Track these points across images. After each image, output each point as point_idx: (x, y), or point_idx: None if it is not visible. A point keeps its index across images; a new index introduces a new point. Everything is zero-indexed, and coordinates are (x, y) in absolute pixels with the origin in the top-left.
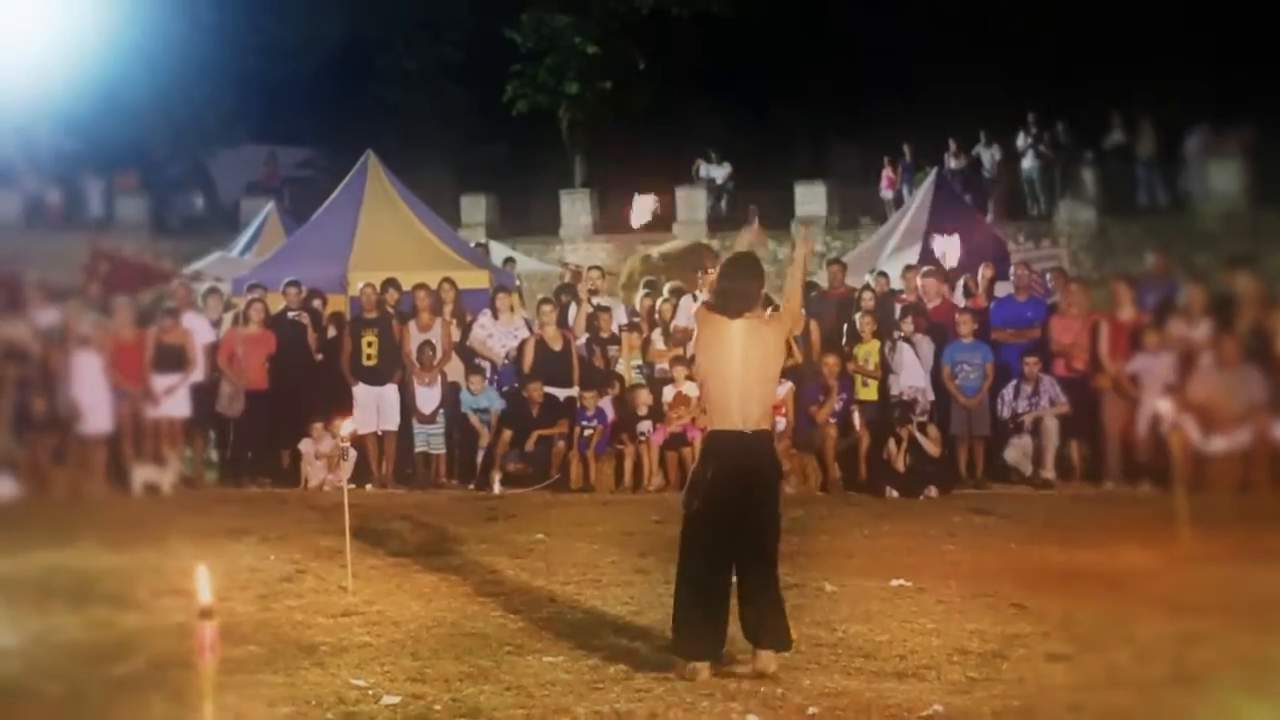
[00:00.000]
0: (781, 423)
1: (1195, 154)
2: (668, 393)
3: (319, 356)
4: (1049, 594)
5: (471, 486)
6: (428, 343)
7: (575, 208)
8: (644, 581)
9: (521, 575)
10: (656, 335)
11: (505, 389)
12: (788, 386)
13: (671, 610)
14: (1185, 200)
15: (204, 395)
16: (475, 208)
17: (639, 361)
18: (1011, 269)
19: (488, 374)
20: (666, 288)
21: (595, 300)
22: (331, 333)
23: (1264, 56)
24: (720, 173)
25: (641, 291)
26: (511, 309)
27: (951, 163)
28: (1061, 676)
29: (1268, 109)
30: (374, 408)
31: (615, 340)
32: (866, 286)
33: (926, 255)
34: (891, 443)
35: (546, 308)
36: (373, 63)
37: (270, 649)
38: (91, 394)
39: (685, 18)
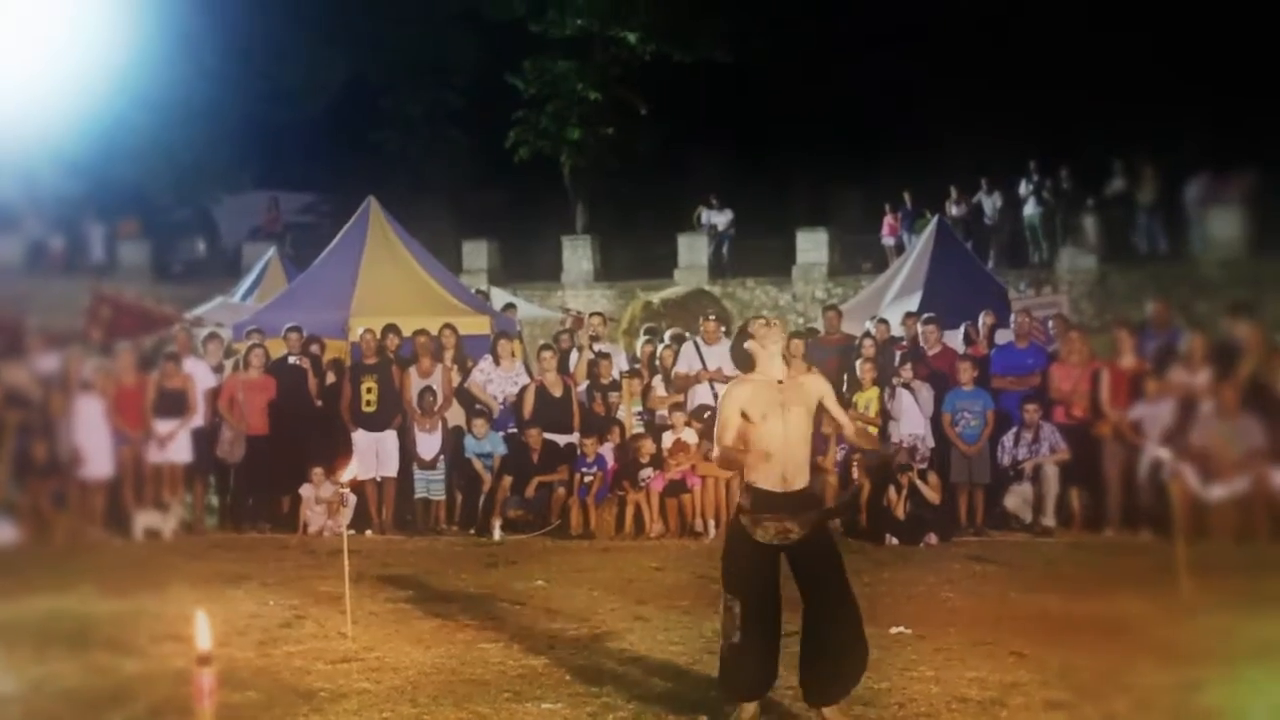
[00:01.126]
0: None
1: (1196, 201)
2: (667, 439)
3: (319, 402)
4: (1048, 642)
5: (472, 532)
6: (428, 389)
7: (577, 254)
8: (643, 629)
9: (521, 622)
10: (657, 381)
11: (504, 434)
12: None
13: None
14: (1186, 247)
15: (204, 440)
16: (477, 253)
17: (639, 408)
18: (1012, 316)
19: (491, 417)
20: (667, 334)
21: (596, 346)
22: (331, 378)
23: (1264, 104)
24: (722, 219)
25: (642, 338)
26: (513, 355)
27: (953, 209)
28: None
29: (1268, 156)
30: (373, 453)
31: (616, 387)
32: (867, 333)
33: (927, 302)
34: (891, 490)
35: (547, 354)
36: (375, 108)
37: (269, 695)
38: (92, 439)
39: (687, 64)
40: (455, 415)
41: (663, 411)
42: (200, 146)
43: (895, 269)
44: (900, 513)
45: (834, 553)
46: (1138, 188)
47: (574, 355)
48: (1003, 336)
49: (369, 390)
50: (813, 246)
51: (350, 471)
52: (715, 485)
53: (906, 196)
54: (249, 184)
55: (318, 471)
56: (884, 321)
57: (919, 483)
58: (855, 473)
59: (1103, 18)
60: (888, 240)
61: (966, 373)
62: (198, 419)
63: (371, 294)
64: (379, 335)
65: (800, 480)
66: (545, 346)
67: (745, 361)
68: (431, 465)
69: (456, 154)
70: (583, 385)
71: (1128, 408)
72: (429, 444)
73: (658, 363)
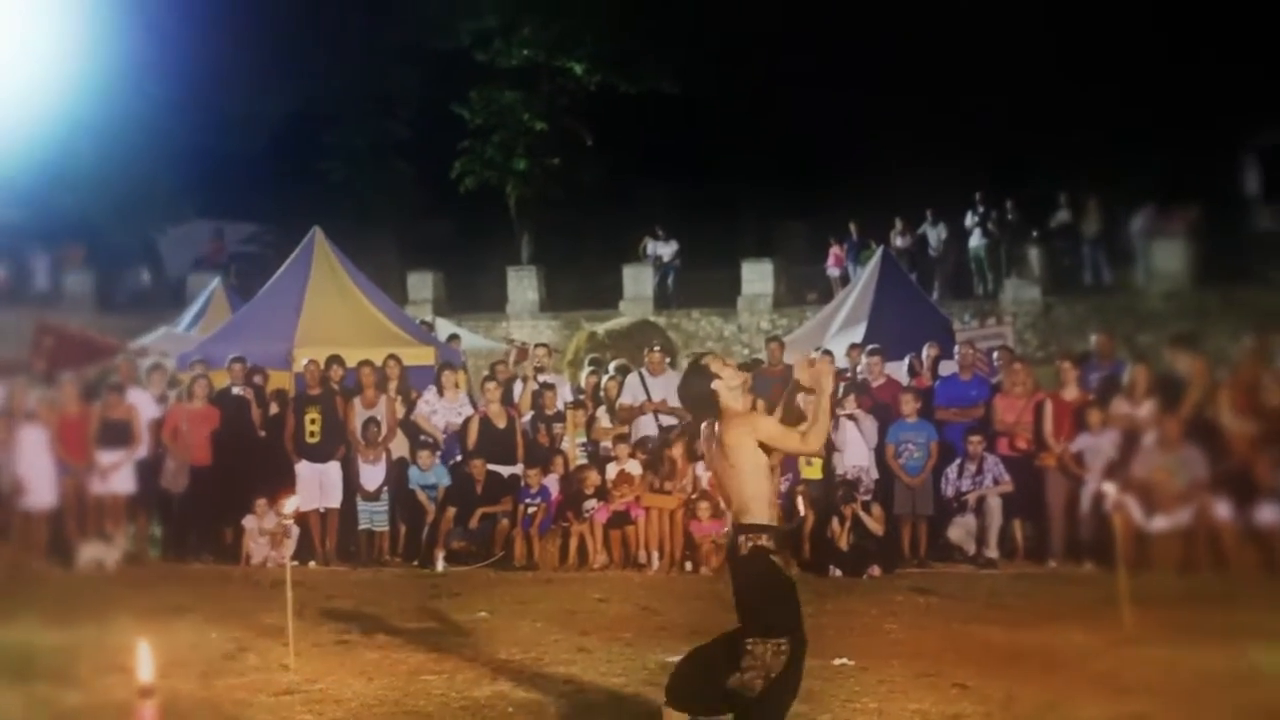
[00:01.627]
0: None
1: (1140, 233)
2: (611, 470)
3: (262, 433)
4: (991, 674)
5: (415, 564)
6: (372, 419)
7: (522, 284)
8: (586, 660)
9: (464, 654)
10: (601, 412)
11: (448, 465)
12: None
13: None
14: (1130, 280)
15: (148, 471)
16: (422, 284)
17: (583, 439)
18: (956, 348)
19: (436, 449)
20: (612, 365)
21: (541, 377)
22: (274, 409)
23: (1207, 138)
24: (667, 250)
25: (587, 369)
26: (457, 386)
27: (898, 241)
28: None
29: (1211, 189)
30: (317, 484)
31: (560, 418)
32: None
33: (872, 333)
34: (835, 521)
35: (491, 385)
36: (321, 138)
37: None
38: (35, 469)
39: (634, 95)
40: (399, 446)
41: (607, 443)
42: (145, 175)
43: (840, 300)
44: (844, 544)
45: None
46: (1082, 220)
47: (518, 386)
48: (947, 368)
49: (313, 421)
50: (758, 278)
51: (294, 503)
52: (659, 517)
53: (852, 228)
54: (193, 213)
55: (261, 502)
56: (828, 352)
57: (862, 514)
58: (800, 504)
59: (1048, 52)
60: (833, 271)
61: (910, 404)
62: (141, 449)
63: (316, 325)
64: (323, 366)
65: None
66: (489, 377)
67: (707, 402)
68: (375, 496)
69: (402, 184)
70: (527, 416)
71: (1071, 439)
72: (373, 475)
73: (602, 394)
